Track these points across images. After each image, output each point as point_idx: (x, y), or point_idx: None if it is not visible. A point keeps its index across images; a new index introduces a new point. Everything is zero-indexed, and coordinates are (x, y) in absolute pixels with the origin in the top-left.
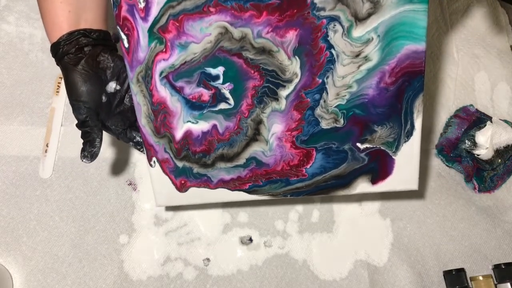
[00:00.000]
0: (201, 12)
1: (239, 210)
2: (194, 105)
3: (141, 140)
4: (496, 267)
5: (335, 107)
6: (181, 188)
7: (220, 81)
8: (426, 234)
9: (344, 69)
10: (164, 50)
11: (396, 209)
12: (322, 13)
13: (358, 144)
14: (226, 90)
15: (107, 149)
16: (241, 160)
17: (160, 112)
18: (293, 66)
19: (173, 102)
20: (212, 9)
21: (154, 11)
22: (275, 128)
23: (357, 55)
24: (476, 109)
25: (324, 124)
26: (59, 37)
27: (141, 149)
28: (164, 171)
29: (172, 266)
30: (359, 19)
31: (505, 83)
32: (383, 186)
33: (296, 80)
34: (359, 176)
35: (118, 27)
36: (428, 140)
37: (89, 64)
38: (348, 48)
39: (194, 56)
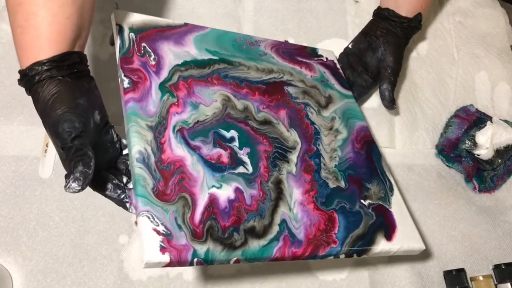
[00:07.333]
0: (206, 81)
1: None
2: (215, 167)
3: (121, 184)
4: (496, 267)
5: (334, 167)
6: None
7: (236, 143)
8: (426, 234)
9: (326, 138)
10: (176, 103)
11: None
12: (298, 100)
13: (362, 201)
14: (243, 155)
15: None
16: (275, 229)
17: (174, 173)
18: (293, 136)
19: (194, 164)
20: (215, 81)
21: (164, 71)
22: (295, 193)
23: (331, 128)
24: (476, 109)
25: (331, 184)
26: (62, 52)
27: (123, 197)
28: (175, 256)
29: None
30: (322, 106)
31: (505, 83)
32: (396, 242)
33: (298, 147)
34: (376, 231)
35: (120, 69)
36: (430, 140)
37: (88, 82)
38: (323, 123)
39: (206, 118)
